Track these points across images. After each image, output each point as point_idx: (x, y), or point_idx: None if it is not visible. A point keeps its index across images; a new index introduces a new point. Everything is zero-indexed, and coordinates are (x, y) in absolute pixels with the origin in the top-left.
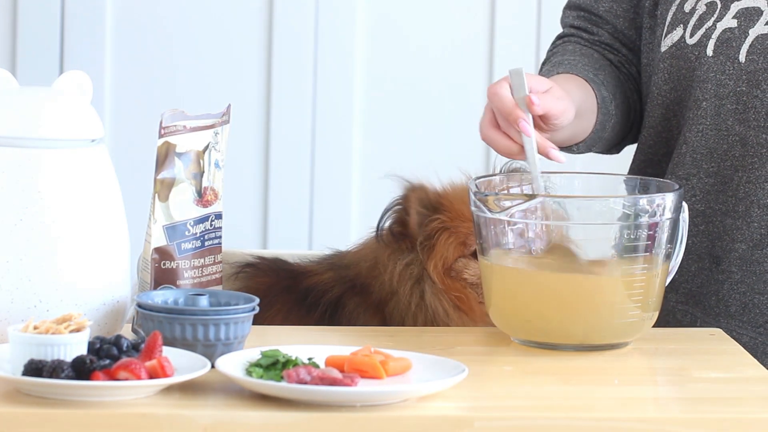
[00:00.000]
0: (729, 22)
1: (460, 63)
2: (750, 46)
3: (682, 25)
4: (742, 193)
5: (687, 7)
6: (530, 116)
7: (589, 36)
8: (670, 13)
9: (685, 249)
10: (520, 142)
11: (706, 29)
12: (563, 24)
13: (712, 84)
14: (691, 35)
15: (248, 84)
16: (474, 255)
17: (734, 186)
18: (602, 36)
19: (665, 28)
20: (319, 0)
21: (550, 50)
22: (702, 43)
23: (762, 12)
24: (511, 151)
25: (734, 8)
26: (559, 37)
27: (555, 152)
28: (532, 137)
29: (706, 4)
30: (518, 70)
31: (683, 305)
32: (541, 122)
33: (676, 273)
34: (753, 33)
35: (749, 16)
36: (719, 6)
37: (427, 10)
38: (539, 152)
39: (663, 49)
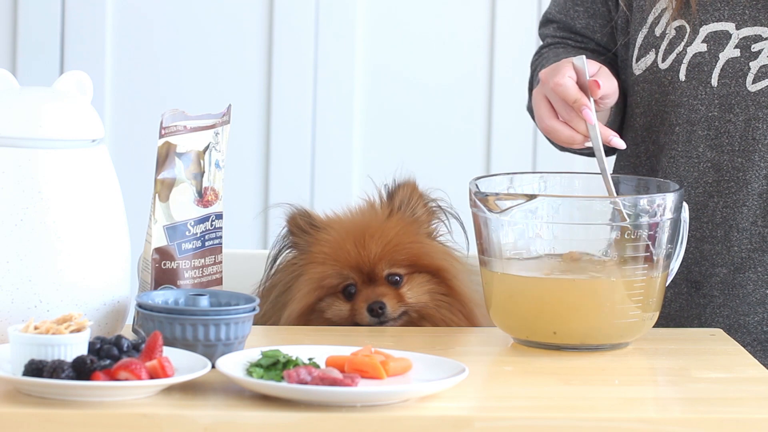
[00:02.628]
0: (699, 46)
1: (461, 63)
2: (721, 70)
3: (654, 50)
4: (720, 218)
5: (658, 31)
6: (592, 102)
7: (576, 44)
8: (641, 36)
9: None
10: (583, 131)
11: (677, 54)
12: (543, 36)
13: (684, 109)
14: (663, 60)
15: (248, 84)
16: (346, 294)
17: (710, 212)
18: (589, 44)
19: (636, 50)
20: (319, 1)
21: (536, 57)
22: (674, 68)
23: (731, 35)
24: (574, 141)
25: (703, 32)
26: (543, 47)
27: (617, 139)
28: (596, 124)
29: (675, 28)
30: (581, 57)
31: (664, 328)
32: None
33: None
34: (723, 57)
35: (718, 39)
36: (688, 30)
37: (427, 10)
38: (602, 140)
39: (637, 72)
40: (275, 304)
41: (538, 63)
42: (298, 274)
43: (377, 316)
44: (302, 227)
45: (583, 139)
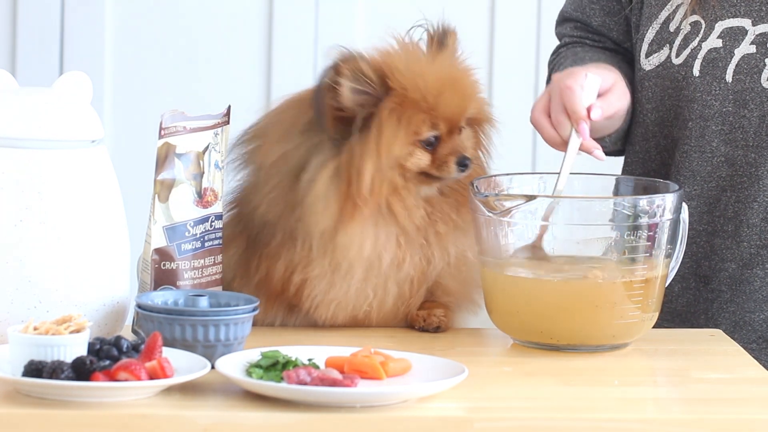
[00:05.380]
0: (714, 42)
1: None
2: (736, 65)
3: (668, 45)
4: (731, 212)
5: (672, 27)
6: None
7: (593, 42)
8: (652, 32)
9: None
10: (565, 136)
11: (692, 49)
12: (560, 35)
13: (698, 104)
14: (677, 55)
15: (248, 85)
16: (427, 143)
17: (722, 206)
18: (605, 43)
19: (646, 45)
20: (319, 1)
21: (553, 57)
22: (688, 63)
23: (747, 31)
24: (555, 142)
25: (718, 28)
26: (560, 46)
27: (599, 152)
28: (582, 140)
29: (690, 24)
30: (597, 78)
31: (669, 324)
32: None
33: None
34: (738, 53)
35: (734, 35)
36: (703, 26)
37: (426, 10)
38: (583, 149)
39: (647, 68)
40: (351, 151)
41: (556, 62)
42: (386, 118)
43: (465, 168)
44: (366, 74)
45: (563, 143)
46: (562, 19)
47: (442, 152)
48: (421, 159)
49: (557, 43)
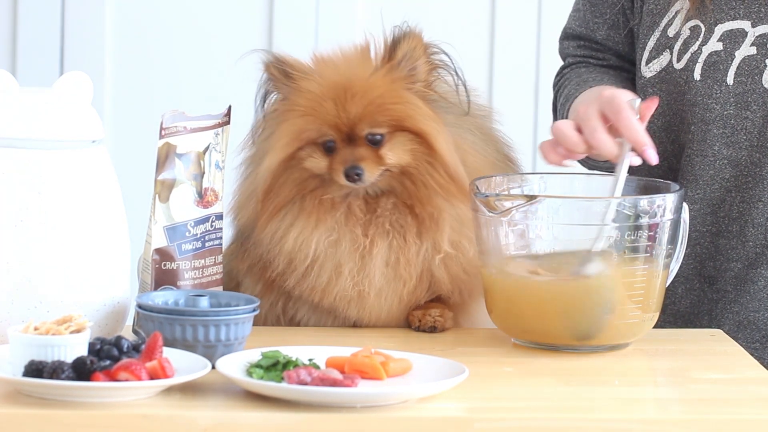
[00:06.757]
0: (714, 45)
1: (459, 64)
2: (737, 68)
3: (668, 50)
4: (736, 213)
5: (671, 32)
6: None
7: (597, 61)
8: (653, 39)
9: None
10: (607, 152)
11: (692, 53)
12: (564, 55)
13: (699, 108)
14: (678, 60)
15: (248, 85)
16: (327, 148)
17: (726, 207)
18: (610, 60)
19: (647, 53)
20: (319, 1)
21: (558, 78)
22: (689, 68)
23: (746, 33)
24: (612, 155)
25: (718, 31)
26: (564, 67)
27: (651, 151)
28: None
29: (689, 28)
30: (635, 100)
31: (671, 325)
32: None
33: None
34: (739, 55)
35: (734, 38)
36: (703, 29)
37: (427, 10)
38: (636, 149)
39: (647, 75)
40: (258, 151)
41: (561, 84)
42: (280, 121)
43: (353, 181)
44: (277, 75)
45: (616, 157)
46: (565, 36)
47: (336, 159)
48: (320, 162)
49: (557, 42)
